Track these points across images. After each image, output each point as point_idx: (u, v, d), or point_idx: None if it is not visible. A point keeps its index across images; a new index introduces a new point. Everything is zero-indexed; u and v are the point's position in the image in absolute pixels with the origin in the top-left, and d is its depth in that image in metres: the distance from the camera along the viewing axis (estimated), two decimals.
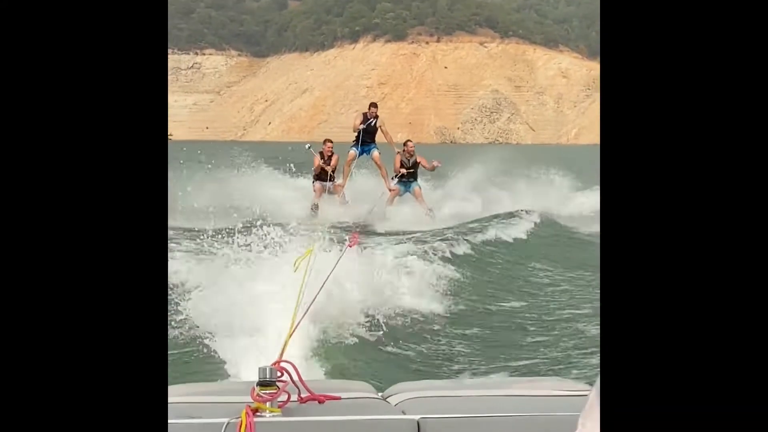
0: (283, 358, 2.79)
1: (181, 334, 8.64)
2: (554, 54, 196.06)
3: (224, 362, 7.73)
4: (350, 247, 6.40)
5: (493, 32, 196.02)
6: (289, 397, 2.59)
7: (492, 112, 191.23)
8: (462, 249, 15.21)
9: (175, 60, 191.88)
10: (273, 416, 2.53)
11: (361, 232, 16.99)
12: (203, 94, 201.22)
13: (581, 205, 21.24)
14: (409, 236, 15.97)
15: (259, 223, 10.62)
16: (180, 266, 10.84)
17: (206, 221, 12.96)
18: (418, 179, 19.92)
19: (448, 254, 14.28)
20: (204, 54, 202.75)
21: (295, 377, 2.68)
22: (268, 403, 2.53)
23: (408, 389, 2.95)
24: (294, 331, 3.26)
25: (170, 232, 11.12)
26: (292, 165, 21.22)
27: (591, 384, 1.65)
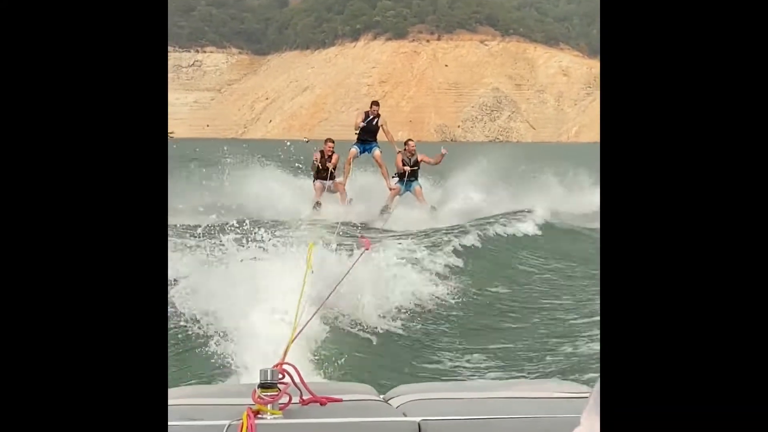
0: (285, 361, 2.77)
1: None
2: (555, 52, 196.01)
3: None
4: (367, 250, 6.49)
5: (494, 30, 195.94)
6: (290, 399, 2.59)
7: (492, 111, 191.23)
8: (464, 245, 15.30)
9: (176, 58, 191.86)
10: (274, 418, 2.52)
11: (364, 229, 17.18)
12: (204, 91, 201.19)
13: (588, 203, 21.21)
14: (411, 235, 16.05)
15: (259, 221, 10.70)
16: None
17: (202, 219, 13.12)
18: (419, 178, 19.91)
19: (448, 253, 14.31)
20: (205, 52, 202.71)
21: (297, 379, 2.68)
22: (269, 405, 2.53)
23: (409, 391, 2.95)
24: (298, 335, 3.30)
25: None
26: (297, 164, 21.32)
27: (591, 386, 1.85)
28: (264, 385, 2.57)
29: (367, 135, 19.81)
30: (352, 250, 10.29)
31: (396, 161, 19.63)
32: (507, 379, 8.23)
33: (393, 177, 19.72)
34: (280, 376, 2.63)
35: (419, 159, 19.67)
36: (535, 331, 10.41)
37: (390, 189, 19.61)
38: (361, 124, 19.77)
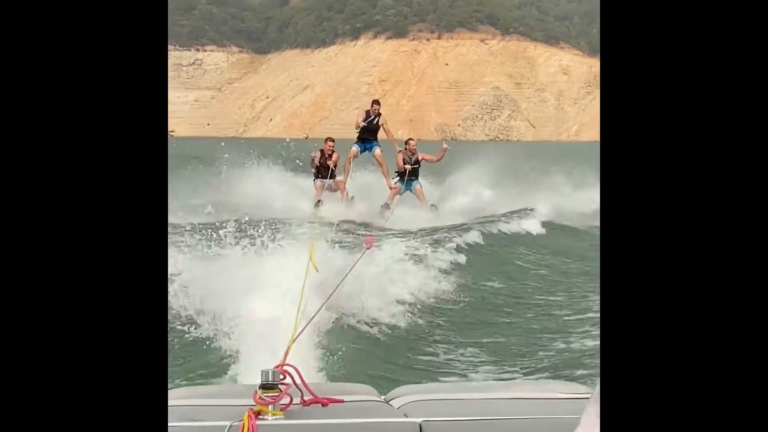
0: (286, 362, 2.77)
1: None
2: (555, 51, 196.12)
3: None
4: (369, 248, 6.63)
5: (494, 29, 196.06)
6: (291, 400, 2.58)
7: (493, 109, 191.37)
8: (467, 243, 15.43)
9: (176, 56, 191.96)
10: (275, 419, 2.52)
11: (364, 228, 17.34)
12: (204, 90, 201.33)
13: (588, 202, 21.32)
14: (410, 233, 16.16)
15: (259, 220, 10.75)
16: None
17: (202, 218, 13.22)
18: (419, 177, 19.96)
19: (449, 251, 14.40)
20: (205, 50, 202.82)
21: (298, 380, 2.67)
22: (270, 406, 2.52)
23: (410, 392, 2.96)
24: (299, 335, 3.31)
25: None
26: (298, 161, 21.42)
27: (586, 384, 1.72)
28: (265, 386, 2.56)
29: (368, 134, 19.84)
30: (354, 248, 10.44)
31: (397, 160, 19.67)
32: (499, 372, 8.50)
33: (393, 176, 19.77)
34: (281, 376, 2.62)
35: (420, 158, 19.71)
36: (529, 326, 10.66)
37: (390, 188, 19.66)
38: (362, 124, 19.80)
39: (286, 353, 2.96)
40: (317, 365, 7.69)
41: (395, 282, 11.08)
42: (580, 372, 8.12)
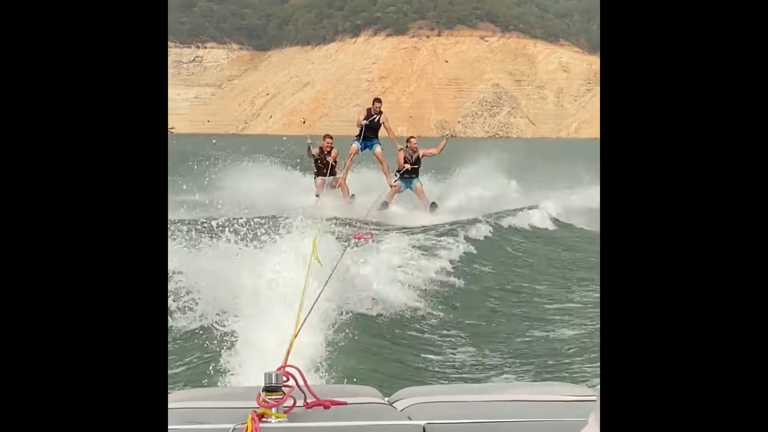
0: (288, 363, 2.79)
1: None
2: (555, 48, 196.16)
3: None
4: (359, 240, 6.88)
5: (494, 26, 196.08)
6: (294, 402, 2.58)
7: (492, 106, 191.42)
8: (467, 239, 15.53)
9: (176, 53, 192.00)
10: (279, 422, 2.52)
11: (364, 224, 17.59)
12: (205, 87, 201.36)
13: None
14: (410, 232, 16.37)
15: (259, 217, 10.75)
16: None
17: (201, 214, 13.45)
18: (419, 176, 20.01)
19: (447, 249, 14.46)
20: (206, 47, 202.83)
21: (301, 382, 2.68)
22: (273, 409, 2.52)
23: (414, 394, 2.98)
24: (298, 332, 3.33)
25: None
26: (298, 159, 21.61)
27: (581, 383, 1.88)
28: (268, 389, 2.55)
29: (369, 132, 19.89)
30: (355, 245, 10.69)
31: (398, 158, 19.73)
32: (480, 353, 8.97)
33: (394, 174, 19.84)
34: (285, 379, 2.61)
35: (421, 154, 19.81)
36: (511, 312, 11.32)
37: (390, 186, 19.74)
38: (364, 122, 19.86)
39: (288, 354, 2.95)
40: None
41: (394, 272, 11.55)
42: (554, 360, 8.67)
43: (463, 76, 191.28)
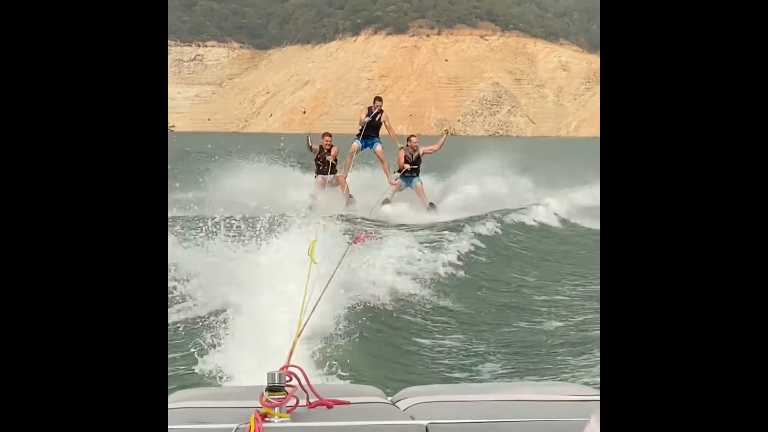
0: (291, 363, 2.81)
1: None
2: (555, 47, 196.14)
3: None
4: (356, 242, 7.08)
5: (494, 25, 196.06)
6: (297, 402, 2.59)
7: (492, 105, 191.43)
8: (468, 240, 15.65)
9: (177, 52, 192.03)
10: (282, 421, 2.52)
11: (364, 222, 17.81)
12: (205, 85, 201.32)
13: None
14: (409, 230, 16.30)
15: (259, 216, 10.74)
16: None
17: (200, 212, 13.65)
18: (420, 175, 20.10)
19: (446, 248, 14.55)
20: (206, 46, 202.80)
21: (304, 382, 2.69)
22: (276, 408, 2.53)
23: (417, 394, 2.99)
24: (301, 331, 3.37)
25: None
26: (297, 157, 21.76)
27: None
28: (271, 388, 2.56)
29: (370, 130, 19.96)
30: (356, 243, 10.91)
31: (398, 157, 19.79)
32: (469, 340, 9.25)
33: (395, 173, 19.91)
34: (287, 378, 2.62)
35: (422, 152, 19.89)
36: (498, 302, 11.67)
37: (391, 184, 19.80)
38: (367, 119, 19.91)
39: (290, 354, 2.97)
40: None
41: (392, 264, 11.97)
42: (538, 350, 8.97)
43: (463, 74, 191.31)
